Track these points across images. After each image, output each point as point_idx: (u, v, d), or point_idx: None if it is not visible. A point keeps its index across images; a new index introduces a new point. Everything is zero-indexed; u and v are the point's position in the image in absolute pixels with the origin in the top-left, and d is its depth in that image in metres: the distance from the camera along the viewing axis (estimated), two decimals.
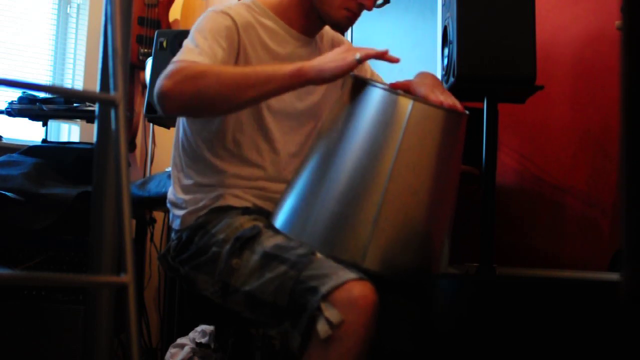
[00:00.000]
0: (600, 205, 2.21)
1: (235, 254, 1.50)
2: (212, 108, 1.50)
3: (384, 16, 1.88)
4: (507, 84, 1.69)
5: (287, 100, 1.66)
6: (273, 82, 1.45)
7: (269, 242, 1.47)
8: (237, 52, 1.59)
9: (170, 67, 1.47)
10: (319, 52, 1.77)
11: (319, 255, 1.39)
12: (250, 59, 1.61)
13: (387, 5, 1.74)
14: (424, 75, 1.62)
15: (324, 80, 1.45)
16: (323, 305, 1.32)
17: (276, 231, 1.49)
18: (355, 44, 2.44)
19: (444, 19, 1.86)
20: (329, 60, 1.44)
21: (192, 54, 1.50)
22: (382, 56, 1.47)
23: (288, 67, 1.45)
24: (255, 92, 1.46)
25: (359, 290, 1.32)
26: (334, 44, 1.81)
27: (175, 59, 1.51)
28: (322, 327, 1.31)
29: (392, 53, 1.52)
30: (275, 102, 1.63)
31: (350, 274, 1.34)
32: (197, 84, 1.43)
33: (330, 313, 1.31)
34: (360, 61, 1.43)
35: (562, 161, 2.30)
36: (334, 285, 1.32)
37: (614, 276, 1.69)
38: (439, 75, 1.98)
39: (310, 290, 1.34)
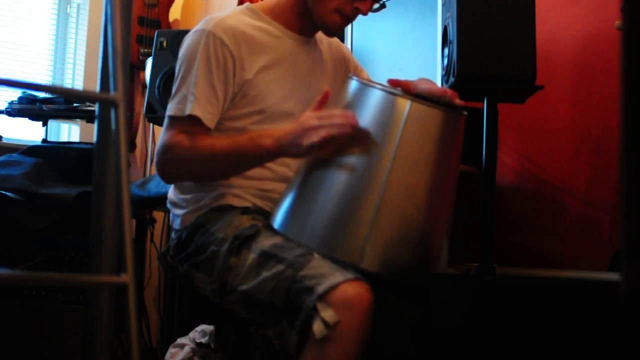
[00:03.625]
0: (600, 205, 2.21)
1: (233, 253, 1.50)
2: (200, 181, 1.66)
3: (384, 16, 1.88)
4: (507, 84, 1.69)
5: (289, 103, 1.67)
6: (242, 164, 1.58)
7: (267, 241, 1.47)
8: (234, 72, 1.60)
9: (161, 140, 1.60)
10: (318, 52, 1.77)
11: (316, 255, 1.39)
12: (247, 68, 1.61)
13: (387, 5, 1.74)
14: (423, 80, 1.63)
15: (284, 155, 1.53)
16: (319, 306, 1.32)
17: (275, 231, 1.49)
18: (355, 44, 2.44)
19: (444, 19, 1.86)
20: (290, 141, 1.47)
21: (189, 107, 1.57)
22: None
23: (255, 150, 1.52)
24: (230, 173, 1.61)
25: (354, 290, 1.32)
26: (331, 46, 1.82)
27: (168, 108, 1.61)
28: (318, 327, 1.31)
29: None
30: (275, 106, 1.64)
31: (347, 274, 1.34)
32: (181, 168, 1.60)
33: (326, 313, 1.31)
34: (307, 151, 1.45)
35: (562, 161, 2.30)
36: (330, 286, 1.32)
37: (614, 276, 1.69)
38: (439, 75, 1.98)
39: (307, 290, 1.34)
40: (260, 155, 1.54)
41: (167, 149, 1.58)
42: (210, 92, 1.58)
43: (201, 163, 1.57)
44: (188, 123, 1.57)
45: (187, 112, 1.56)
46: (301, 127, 1.46)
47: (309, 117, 1.47)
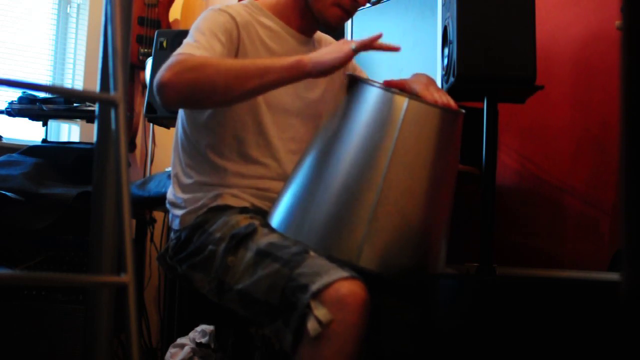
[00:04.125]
0: (600, 205, 2.21)
1: (230, 252, 1.50)
2: (211, 98, 1.50)
3: (384, 16, 1.88)
4: (507, 84, 1.69)
5: (287, 98, 1.67)
6: (272, 73, 1.46)
7: (263, 240, 1.48)
8: (237, 47, 1.61)
9: (169, 60, 1.48)
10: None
11: (312, 253, 1.39)
12: (248, 55, 1.62)
13: (387, 6, 1.74)
14: (419, 75, 1.63)
15: (322, 72, 1.46)
16: (313, 304, 1.31)
17: (272, 230, 1.49)
18: None
19: (444, 19, 1.86)
20: (326, 52, 1.46)
21: (190, 48, 1.52)
22: (376, 44, 1.47)
23: (287, 60, 1.47)
24: (254, 83, 1.46)
25: (348, 288, 1.32)
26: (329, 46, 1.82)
27: (175, 52, 1.53)
28: (312, 326, 1.31)
29: (392, 53, 1.52)
30: (274, 99, 1.64)
31: (341, 273, 1.34)
32: (196, 74, 1.45)
33: (320, 312, 1.30)
34: (357, 50, 1.45)
35: (562, 161, 2.30)
36: (323, 284, 1.32)
37: (614, 276, 1.69)
38: (439, 75, 1.98)
39: (301, 288, 1.34)
40: (285, 65, 1.46)
41: (178, 58, 1.46)
42: (218, 44, 1.56)
43: (216, 69, 1.46)
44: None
45: (194, 52, 1.51)
46: (341, 41, 1.49)
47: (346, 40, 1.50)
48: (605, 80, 2.20)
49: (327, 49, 1.48)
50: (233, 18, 1.61)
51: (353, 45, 1.45)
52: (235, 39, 1.60)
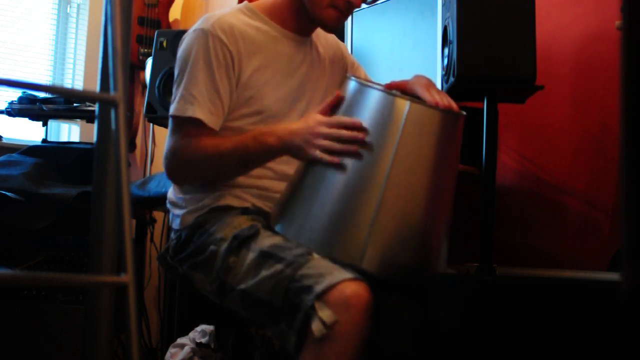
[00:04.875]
0: (600, 205, 2.21)
1: (232, 252, 1.50)
2: (208, 181, 1.64)
3: (384, 16, 1.88)
4: (507, 84, 1.69)
5: (288, 98, 1.67)
6: (250, 164, 1.59)
7: (266, 241, 1.47)
8: (233, 67, 1.60)
9: (167, 144, 1.61)
10: (315, 51, 1.77)
11: (315, 255, 1.39)
12: (245, 67, 1.61)
13: (387, 6, 1.74)
14: (419, 77, 1.63)
15: (288, 152, 1.54)
16: (317, 305, 1.31)
17: (274, 232, 1.49)
18: (355, 44, 2.44)
19: (444, 19, 1.86)
20: (295, 142, 1.49)
21: (186, 107, 1.58)
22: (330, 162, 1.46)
23: (259, 148, 1.53)
24: (241, 172, 1.62)
25: (352, 290, 1.32)
26: (328, 44, 1.82)
27: (171, 109, 1.61)
28: (316, 327, 1.31)
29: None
30: (273, 105, 1.64)
31: (345, 274, 1.34)
32: (190, 171, 1.61)
33: (324, 313, 1.30)
34: (318, 160, 1.45)
35: (562, 161, 2.30)
36: (328, 285, 1.32)
37: (614, 276, 1.69)
38: (439, 75, 1.98)
39: (305, 290, 1.34)
40: (264, 154, 1.55)
41: (174, 153, 1.59)
42: (214, 93, 1.58)
43: (208, 164, 1.57)
44: (191, 125, 1.58)
45: (188, 113, 1.56)
46: (308, 131, 1.47)
47: (318, 122, 1.47)
48: (605, 80, 2.20)
49: (298, 135, 1.48)
50: (223, 42, 1.59)
51: (316, 154, 1.44)
52: (230, 61, 1.60)
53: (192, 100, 1.57)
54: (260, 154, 1.55)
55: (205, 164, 1.58)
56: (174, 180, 1.67)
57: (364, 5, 1.69)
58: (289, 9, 1.70)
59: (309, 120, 1.49)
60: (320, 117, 1.48)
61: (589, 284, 1.59)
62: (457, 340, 1.51)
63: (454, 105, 1.48)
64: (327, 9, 1.64)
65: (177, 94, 1.60)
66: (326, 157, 1.43)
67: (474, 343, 1.50)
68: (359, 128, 1.42)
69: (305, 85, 1.71)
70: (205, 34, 1.59)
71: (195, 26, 1.63)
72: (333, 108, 1.50)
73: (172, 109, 1.60)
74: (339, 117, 1.47)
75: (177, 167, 1.61)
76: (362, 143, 1.41)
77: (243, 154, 1.55)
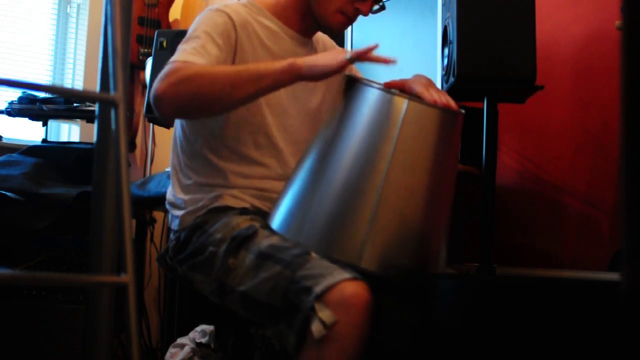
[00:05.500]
0: (600, 205, 2.21)
1: (231, 254, 1.50)
2: (208, 108, 1.51)
3: (384, 16, 1.88)
4: (507, 84, 1.69)
5: (287, 101, 1.67)
6: (265, 79, 1.47)
7: (264, 241, 1.47)
8: (235, 49, 1.60)
9: (164, 69, 1.48)
10: (314, 52, 1.77)
11: (314, 255, 1.39)
12: (247, 56, 1.62)
13: (387, 6, 1.74)
14: (419, 76, 1.63)
15: (314, 77, 1.48)
16: (317, 306, 1.31)
17: (273, 231, 1.49)
18: (355, 44, 2.44)
19: (444, 19, 1.86)
20: (321, 57, 1.48)
21: (186, 54, 1.51)
22: (371, 55, 1.48)
23: (280, 64, 1.47)
24: (250, 90, 1.47)
25: (352, 290, 1.32)
26: (326, 47, 1.82)
27: (170, 60, 1.52)
28: (316, 328, 1.31)
29: (392, 53, 1.52)
30: (275, 101, 1.64)
31: (344, 274, 1.34)
32: (191, 85, 1.45)
33: (324, 313, 1.30)
34: (352, 61, 1.45)
35: (562, 161, 2.30)
36: (327, 286, 1.32)
37: (614, 276, 1.69)
38: (439, 75, 1.98)
39: (304, 290, 1.34)
40: (277, 71, 1.46)
41: (173, 68, 1.46)
42: (214, 47, 1.56)
43: (211, 79, 1.46)
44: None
45: (189, 58, 1.50)
46: (335, 50, 1.53)
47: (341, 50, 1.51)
48: (605, 80, 2.20)
49: (323, 55, 1.49)
50: (231, 18, 1.60)
51: (348, 55, 1.45)
52: (233, 40, 1.60)
53: (191, 50, 1.53)
54: (271, 71, 1.46)
55: (207, 78, 1.46)
56: (164, 100, 1.45)
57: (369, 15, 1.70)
58: (294, 9, 1.70)
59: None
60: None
61: (589, 284, 1.59)
62: (457, 340, 1.51)
63: (452, 103, 1.48)
64: (336, 14, 1.64)
65: (177, 51, 1.56)
66: (362, 49, 1.45)
67: (474, 343, 1.50)
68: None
69: (303, 84, 1.71)
70: (215, 10, 1.62)
71: (205, 10, 1.66)
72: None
73: (171, 59, 1.52)
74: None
75: (174, 82, 1.44)
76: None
77: (251, 72, 1.47)
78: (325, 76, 1.48)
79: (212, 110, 1.52)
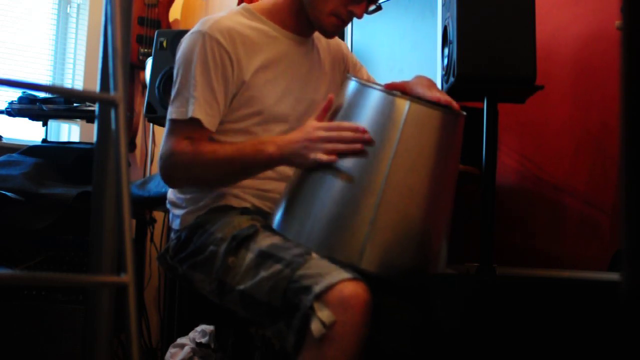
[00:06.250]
0: (600, 205, 2.21)
1: (231, 253, 1.50)
2: (205, 184, 1.65)
3: (383, 16, 1.88)
4: (507, 84, 1.69)
5: (288, 107, 1.67)
6: (250, 170, 1.58)
7: (265, 241, 1.47)
8: (232, 68, 1.60)
9: (163, 149, 1.59)
10: (315, 51, 1.77)
11: (314, 255, 1.39)
12: (245, 68, 1.61)
13: (387, 6, 1.74)
14: (420, 77, 1.63)
15: (286, 163, 1.53)
16: (316, 305, 1.31)
17: (274, 231, 1.49)
18: (355, 44, 2.44)
19: (444, 19, 1.86)
20: (294, 151, 1.48)
21: (185, 109, 1.58)
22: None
23: (258, 156, 1.52)
24: (237, 178, 1.61)
25: (351, 290, 1.32)
26: (329, 44, 1.82)
27: (169, 112, 1.61)
28: (315, 327, 1.31)
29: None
30: (275, 109, 1.64)
31: (344, 274, 1.34)
32: (185, 174, 1.60)
33: (323, 313, 1.30)
34: (318, 158, 1.43)
35: (562, 161, 2.30)
36: (327, 285, 1.32)
37: (614, 276, 1.69)
38: (439, 75, 1.98)
39: (304, 290, 1.34)
40: (263, 162, 1.54)
41: (171, 156, 1.58)
42: (210, 94, 1.58)
43: (205, 169, 1.57)
44: (190, 126, 1.57)
45: (190, 114, 1.56)
46: (307, 137, 1.46)
47: (316, 128, 1.46)
48: (605, 80, 2.20)
49: (297, 142, 1.47)
50: (221, 44, 1.59)
51: (317, 157, 1.43)
52: (228, 64, 1.59)
53: (192, 100, 1.57)
54: (259, 162, 1.54)
55: (201, 169, 1.57)
56: (168, 183, 1.65)
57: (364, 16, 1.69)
58: (289, 10, 1.69)
59: (306, 127, 1.49)
60: (317, 123, 1.48)
61: (589, 284, 1.59)
62: (457, 340, 1.51)
63: (454, 103, 1.48)
64: (329, 17, 1.64)
65: (175, 95, 1.61)
66: (325, 157, 1.42)
67: (474, 343, 1.50)
68: (359, 130, 1.41)
69: (306, 86, 1.71)
70: (203, 36, 1.59)
71: (193, 29, 1.63)
72: (333, 113, 1.49)
73: (171, 111, 1.60)
74: (339, 122, 1.47)
75: (172, 170, 1.59)
76: (364, 141, 1.40)
77: (241, 162, 1.55)
78: (298, 166, 1.52)
79: (209, 185, 1.65)
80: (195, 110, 1.56)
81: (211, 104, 1.58)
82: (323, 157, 1.42)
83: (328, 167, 1.43)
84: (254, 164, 1.55)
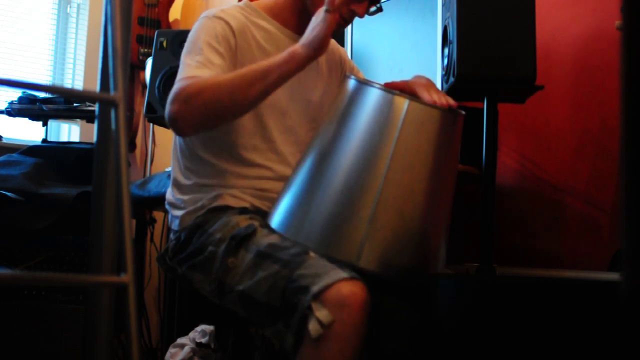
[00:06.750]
0: (600, 205, 2.21)
1: (230, 253, 1.50)
2: (223, 117, 1.53)
3: (384, 16, 1.88)
4: (507, 84, 1.69)
5: (286, 102, 1.67)
6: (271, 73, 1.48)
7: (263, 241, 1.47)
8: (235, 54, 1.60)
9: (173, 90, 1.50)
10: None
11: (312, 254, 1.39)
12: (245, 60, 1.62)
13: (387, 6, 1.74)
14: (419, 77, 1.63)
15: (317, 49, 1.48)
16: (314, 305, 1.31)
17: (272, 230, 1.49)
18: (355, 44, 2.44)
19: (444, 19, 1.86)
20: (309, 32, 1.49)
21: (191, 69, 1.53)
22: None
23: (281, 56, 1.49)
24: (258, 88, 1.48)
25: (349, 289, 1.32)
26: (328, 48, 1.81)
27: (177, 78, 1.54)
28: (313, 327, 1.31)
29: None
30: (274, 103, 1.64)
31: (342, 274, 1.34)
32: (201, 99, 1.47)
33: (321, 313, 1.30)
34: (332, 10, 1.46)
35: (562, 161, 2.30)
36: (324, 285, 1.32)
37: (614, 276, 1.69)
38: (439, 75, 1.98)
39: (302, 290, 1.34)
40: (287, 61, 1.48)
41: (181, 92, 1.48)
42: (217, 57, 1.57)
43: (223, 86, 1.48)
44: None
45: (195, 72, 1.53)
46: (315, 16, 1.51)
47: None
48: (605, 80, 2.20)
49: (309, 29, 1.50)
50: (228, 24, 1.61)
51: (325, 8, 1.47)
52: (233, 45, 1.60)
53: (195, 65, 1.54)
54: (282, 62, 1.48)
55: (218, 87, 1.47)
56: (179, 123, 1.49)
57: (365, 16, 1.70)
58: (291, 9, 1.70)
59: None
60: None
61: (589, 284, 1.59)
62: (456, 340, 1.51)
63: (452, 102, 1.48)
64: None
65: (181, 68, 1.57)
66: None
67: (473, 343, 1.50)
68: None
69: (302, 85, 1.71)
70: (211, 18, 1.62)
71: (201, 16, 1.65)
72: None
73: (177, 77, 1.55)
74: None
75: (185, 103, 1.46)
76: None
77: (262, 67, 1.49)
78: (325, 44, 1.48)
79: (227, 117, 1.55)
80: (201, 69, 1.53)
81: (216, 66, 1.56)
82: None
83: (327, 165, 1.43)
84: (269, 68, 1.48)
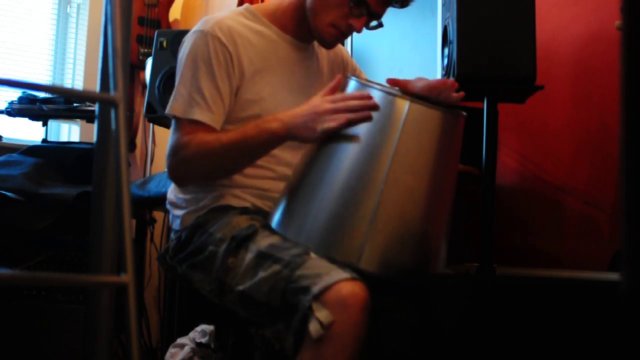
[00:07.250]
0: (600, 205, 2.21)
1: (231, 253, 1.50)
2: (213, 178, 1.63)
3: (383, 17, 1.88)
4: (507, 84, 1.69)
5: (287, 103, 1.67)
6: (256, 151, 1.56)
7: (264, 241, 1.47)
8: (232, 67, 1.60)
9: (171, 143, 1.59)
10: (315, 57, 1.77)
11: (313, 255, 1.39)
12: (244, 69, 1.61)
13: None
14: (421, 78, 1.63)
15: (294, 138, 1.51)
16: (314, 306, 1.31)
17: (273, 231, 1.49)
18: (355, 44, 2.44)
19: (444, 19, 1.86)
20: (300, 124, 1.47)
21: (185, 108, 1.58)
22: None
23: (266, 133, 1.51)
24: (245, 163, 1.60)
25: (349, 290, 1.32)
26: (330, 52, 1.81)
27: (171, 106, 1.60)
28: (313, 327, 1.31)
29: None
30: (275, 105, 1.64)
31: (342, 274, 1.34)
32: (193, 167, 1.58)
33: (321, 313, 1.30)
34: (323, 135, 1.44)
35: (562, 161, 2.30)
36: (325, 285, 1.32)
37: (614, 276, 1.69)
38: (439, 75, 1.98)
39: (302, 290, 1.34)
40: (268, 140, 1.52)
41: (176, 151, 1.57)
42: (215, 93, 1.58)
43: (211, 158, 1.55)
44: (193, 125, 1.58)
45: (190, 116, 1.57)
46: (314, 110, 1.46)
47: (323, 101, 1.46)
48: (605, 80, 2.20)
49: (301, 119, 1.47)
50: (222, 42, 1.59)
51: (325, 126, 1.43)
52: (230, 62, 1.60)
53: (193, 103, 1.57)
54: (263, 141, 1.52)
55: (208, 158, 1.56)
56: (177, 180, 1.63)
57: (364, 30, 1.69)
58: (292, 15, 1.69)
59: (312, 101, 1.49)
60: (324, 97, 1.48)
61: (589, 284, 1.59)
62: (456, 340, 1.51)
63: (455, 96, 1.48)
64: (329, 27, 1.64)
65: (177, 92, 1.60)
66: (335, 123, 1.41)
67: (473, 343, 1.50)
68: (365, 97, 1.41)
69: (304, 91, 1.71)
70: (205, 35, 1.60)
71: (195, 28, 1.64)
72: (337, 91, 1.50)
73: (174, 108, 1.60)
74: (343, 94, 1.46)
75: (180, 165, 1.58)
76: (371, 107, 1.40)
77: (246, 144, 1.53)
78: (305, 140, 1.50)
79: (218, 178, 1.64)
80: (196, 112, 1.56)
81: (216, 102, 1.58)
82: (332, 123, 1.42)
83: (327, 166, 1.43)
84: (259, 144, 1.53)
